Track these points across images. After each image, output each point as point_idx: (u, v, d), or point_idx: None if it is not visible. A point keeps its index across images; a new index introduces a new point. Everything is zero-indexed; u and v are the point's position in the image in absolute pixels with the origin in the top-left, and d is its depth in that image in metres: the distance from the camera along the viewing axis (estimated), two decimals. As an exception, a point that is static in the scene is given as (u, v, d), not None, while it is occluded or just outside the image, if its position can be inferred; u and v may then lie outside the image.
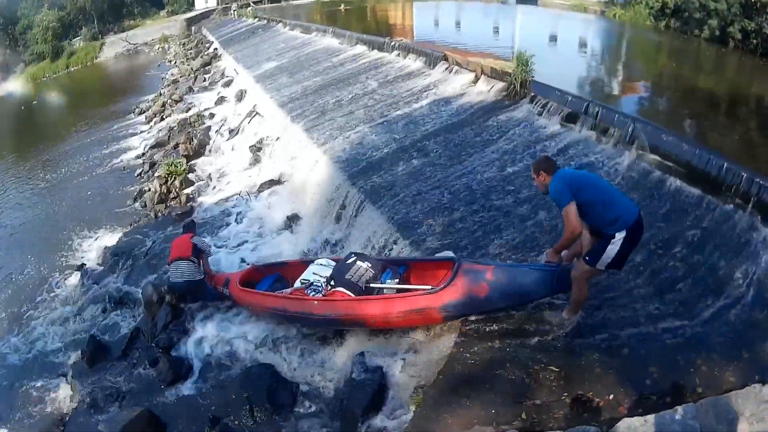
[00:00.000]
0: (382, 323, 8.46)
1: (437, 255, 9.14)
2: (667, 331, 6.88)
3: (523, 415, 6.06)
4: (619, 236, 6.56)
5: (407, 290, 8.39)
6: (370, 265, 8.83)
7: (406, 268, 9.13)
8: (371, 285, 8.62)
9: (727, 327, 6.78)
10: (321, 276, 9.38)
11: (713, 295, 7.30)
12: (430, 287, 8.03)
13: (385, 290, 8.59)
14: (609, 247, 6.62)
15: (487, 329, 7.57)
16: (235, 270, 11.80)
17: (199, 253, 11.14)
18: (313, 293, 9.17)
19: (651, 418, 5.18)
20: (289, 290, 9.78)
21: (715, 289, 7.39)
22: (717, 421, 4.96)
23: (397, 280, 8.74)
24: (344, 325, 9.03)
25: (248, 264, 11.97)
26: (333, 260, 9.79)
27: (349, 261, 8.90)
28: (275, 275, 10.73)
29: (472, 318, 7.82)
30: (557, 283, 7.28)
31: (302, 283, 9.48)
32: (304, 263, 10.35)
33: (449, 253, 8.88)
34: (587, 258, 6.85)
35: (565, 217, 6.71)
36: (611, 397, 6.03)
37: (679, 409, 5.17)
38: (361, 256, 9.03)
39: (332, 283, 8.79)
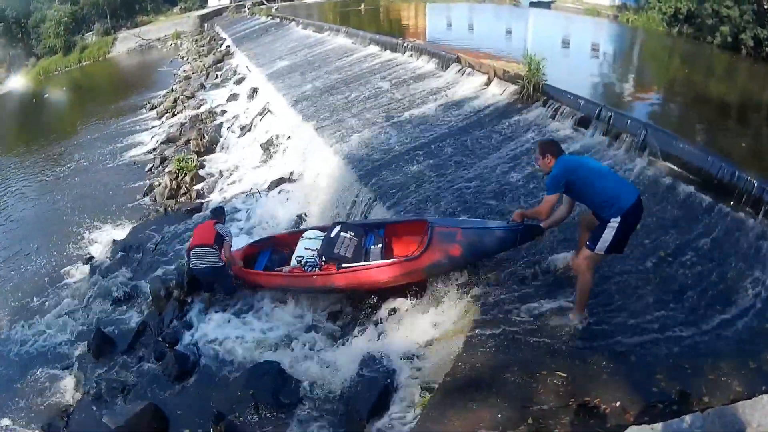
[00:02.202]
0: (374, 287, 9.57)
1: (407, 217, 10.38)
2: (675, 339, 6.81)
3: (530, 420, 6.00)
4: (614, 222, 6.82)
5: (390, 256, 9.61)
6: (353, 234, 9.72)
7: (385, 230, 10.09)
8: (356, 255, 9.48)
9: (735, 336, 6.73)
10: (312, 250, 10.22)
11: (722, 303, 7.25)
12: (410, 254, 8.96)
13: (371, 257, 9.51)
14: (606, 231, 6.88)
15: (495, 333, 7.49)
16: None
17: (221, 241, 11.10)
18: (310, 269, 10.06)
19: (658, 426, 5.12)
20: (287, 268, 10.61)
21: (725, 297, 7.33)
22: (724, 431, 4.93)
23: (380, 245, 9.71)
24: (342, 291, 10.11)
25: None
26: (320, 229, 10.78)
27: (334, 233, 9.74)
28: (269, 249, 11.63)
29: (480, 321, 7.78)
30: (520, 239, 8.25)
31: (297, 261, 10.32)
32: (292, 234, 11.54)
33: None
34: (588, 243, 7.09)
35: (544, 201, 7.42)
36: (618, 404, 5.96)
37: (686, 418, 5.11)
38: (344, 226, 9.92)
39: (323, 258, 9.65)
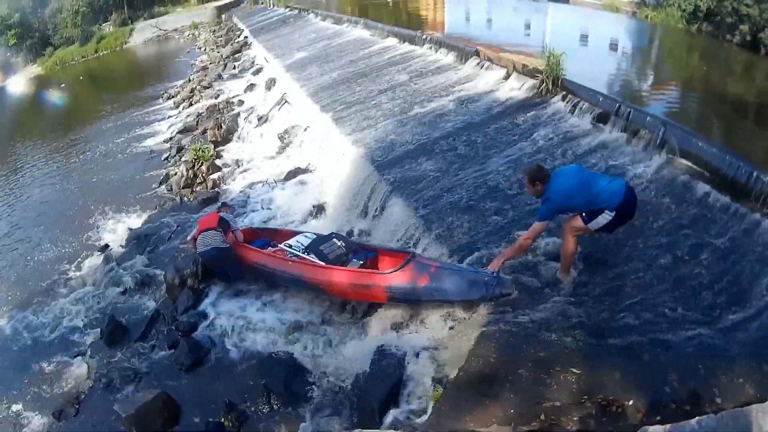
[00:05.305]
0: (338, 291, 9.89)
1: (398, 248, 10.46)
2: (688, 339, 6.76)
3: (542, 416, 5.97)
4: (609, 213, 7.48)
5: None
6: (343, 244, 10.38)
7: (375, 254, 10.44)
8: (338, 260, 10.02)
9: (748, 338, 6.64)
10: (302, 244, 10.65)
11: (737, 305, 7.17)
12: (381, 270, 9.55)
13: (348, 266, 9.91)
14: (600, 216, 7.54)
15: (509, 328, 7.48)
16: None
17: (225, 225, 11.19)
18: (290, 255, 10.46)
19: (671, 427, 5.10)
20: (272, 250, 11.18)
21: (739, 299, 7.25)
22: (737, 433, 4.89)
23: (362, 262, 10.12)
24: (310, 287, 10.24)
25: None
26: (317, 235, 11.06)
27: (327, 237, 10.60)
28: (266, 239, 11.97)
29: (495, 316, 7.82)
30: (491, 294, 8.11)
31: (285, 246, 10.78)
32: (293, 232, 11.78)
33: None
34: (584, 215, 7.64)
35: (532, 228, 7.79)
36: (630, 402, 5.92)
37: (700, 419, 5.08)
38: (339, 236, 10.67)
39: (307, 250, 10.24)
